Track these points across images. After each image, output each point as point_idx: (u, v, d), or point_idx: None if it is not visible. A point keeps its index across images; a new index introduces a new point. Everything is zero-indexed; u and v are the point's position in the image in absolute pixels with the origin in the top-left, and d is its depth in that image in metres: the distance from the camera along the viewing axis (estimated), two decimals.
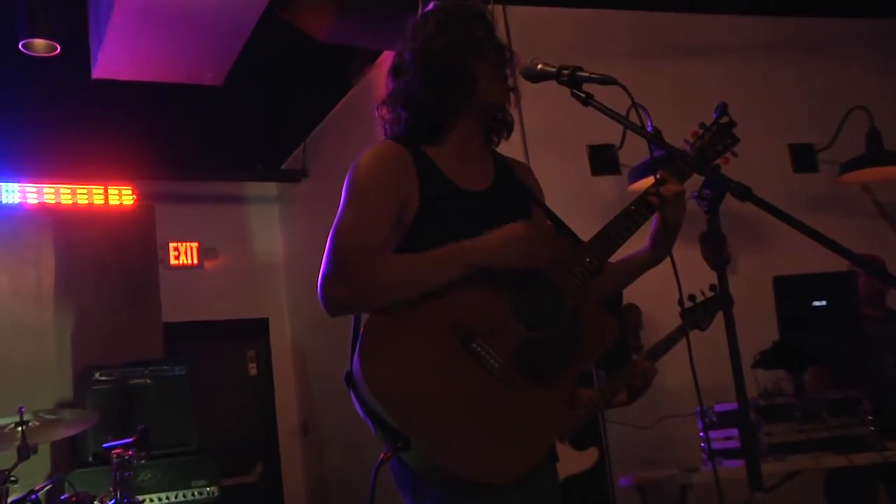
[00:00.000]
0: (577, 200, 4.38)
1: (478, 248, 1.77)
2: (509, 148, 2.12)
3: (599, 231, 1.90)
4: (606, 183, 4.81)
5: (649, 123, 4.04)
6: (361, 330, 1.73)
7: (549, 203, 2.09)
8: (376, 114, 2.01)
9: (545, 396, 1.76)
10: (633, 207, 1.92)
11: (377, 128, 2.01)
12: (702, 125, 2.00)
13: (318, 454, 6.83)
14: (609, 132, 4.63)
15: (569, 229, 1.99)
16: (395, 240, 1.85)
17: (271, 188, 7.44)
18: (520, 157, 2.02)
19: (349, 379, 1.72)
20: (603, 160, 4.84)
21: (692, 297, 3.31)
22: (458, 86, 1.89)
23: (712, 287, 3.27)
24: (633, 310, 4.28)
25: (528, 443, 1.73)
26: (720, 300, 1.67)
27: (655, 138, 1.84)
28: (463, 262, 1.76)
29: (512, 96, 1.98)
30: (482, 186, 1.95)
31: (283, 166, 7.33)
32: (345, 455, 6.26)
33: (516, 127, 2.10)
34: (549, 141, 4.47)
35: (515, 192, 2.01)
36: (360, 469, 5.84)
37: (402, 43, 1.97)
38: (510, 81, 1.96)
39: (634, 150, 4.60)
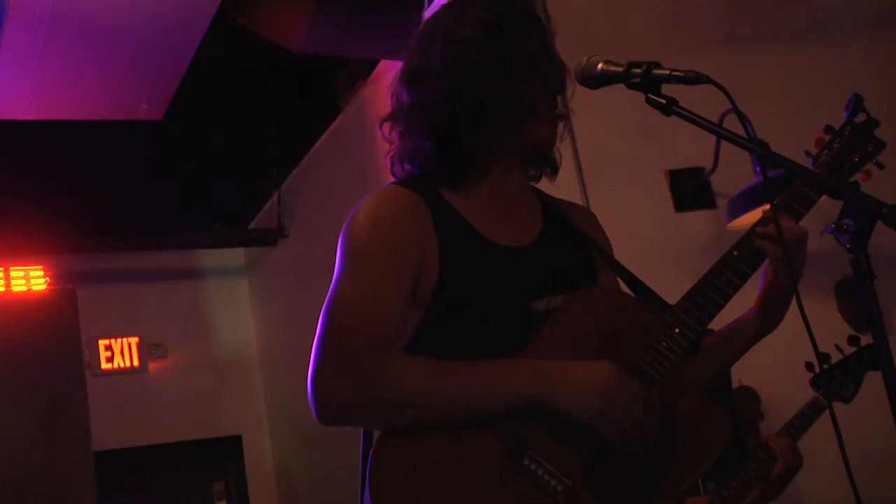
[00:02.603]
0: (657, 247, 4.36)
1: (545, 384, 1.76)
2: (561, 180, 2.12)
3: (690, 290, 1.90)
4: (697, 221, 4.74)
5: (751, 135, 3.98)
6: (372, 451, 1.75)
7: (618, 254, 2.11)
8: (379, 132, 2.05)
9: None
10: (735, 254, 1.92)
11: (379, 162, 2.12)
12: (828, 129, 1.99)
13: None
14: (695, 152, 4.57)
15: (649, 290, 2.00)
16: (409, 326, 1.88)
17: (236, 256, 7.53)
18: (573, 192, 1.99)
19: None
20: (690, 190, 4.78)
21: (824, 358, 3.27)
22: (509, 117, 1.93)
23: (852, 340, 3.27)
24: (749, 395, 4.23)
25: None
26: (870, 356, 1.62)
27: (769, 153, 1.79)
28: (524, 396, 1.76)
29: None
30: (526, 240, 1.99)
31: (252, 225, 7.42)
32: None
33: (567, 152, 2.11)
34: (612, 167, 4.47)
35: (572, 244, 2.04)
36: None
37: (425, 38, 2.01)
38: (561, 107, 2.00)
39: (733, 174, 4.52)
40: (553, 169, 2.09)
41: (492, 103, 1.92)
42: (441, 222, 1.91)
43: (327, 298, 1.85)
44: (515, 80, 1.92)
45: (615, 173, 4.48)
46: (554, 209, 2.09)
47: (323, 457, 6.38)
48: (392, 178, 2.08)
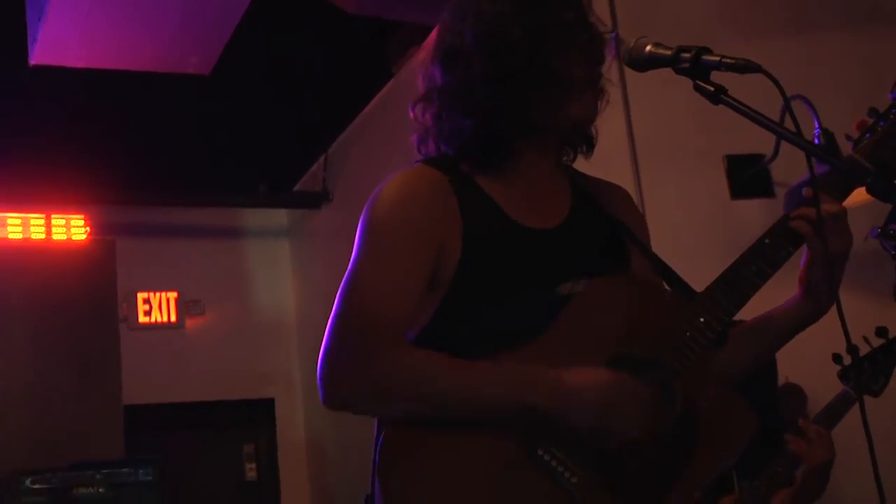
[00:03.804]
0: (710, 235, 4.30)
1: (546, 394, 1.74)
2: (613, 163, 2.02)
3: (718, 279, 1.88)
4: (752, 209, 4.70)
5: (816, 124, 3.90)
6: (382, 436, 1.75)
7: (668, 241, 2.09)
8: (410, 114, 2.02)
9: None
10: (767, 241, 1.90)
11: None
12: (872, 111, 1.94)
13: None
14: (756, 138, 4.50)
15: (677, 277, 1.97)
16: (429, 305, 1.85)
17: (280, 217, 7.54)
18: (627, 176, 1.95)
19: None
20: (748, 177, 4.71)
21: (853, 350, 3.19)
22: (546, 93, 1.89)
23: (880, 332, 3.24)
24: (795, 392, 4.15)
25: None
26: None
27: (814, 148, 1.81)
28: (523, 405, 1.74)
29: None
30: (553, 222, 1.95)
31: (297, 188, 7.42)
32: None
33: (623, 135, 2.03)
34: (668, 152, 4.42)
35: (601, 226, 2.01)
36: None
37: (457, 15, 1.97)
38: (603, 81, 1.96)
39: (793, 163, 4.44)
40: (589, 146, 2.04)
41: (528, 79, 1.87)
42: (466, 203, 1.88)
43: (345, 278, 1.84)
44: (552, 55, 1.88)
45: (671, 158, 4.45)
46: (584, 189, 2.05)
47: (354, 427, 6.36)
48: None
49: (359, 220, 1.92)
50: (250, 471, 7.14)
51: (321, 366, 1.78)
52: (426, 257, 1.84)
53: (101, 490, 5.35)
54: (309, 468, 7.19)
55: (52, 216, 6.05)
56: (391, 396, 1.76)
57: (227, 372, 7.04)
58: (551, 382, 1.74)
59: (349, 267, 1.86)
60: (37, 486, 5.25)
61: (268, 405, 7.22)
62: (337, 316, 1.80)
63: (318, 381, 1.78)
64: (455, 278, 1.85)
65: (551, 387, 1.74)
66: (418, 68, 2.04)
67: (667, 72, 1.81)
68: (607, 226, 2.02)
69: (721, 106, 1.74)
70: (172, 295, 7.00)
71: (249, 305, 7.27)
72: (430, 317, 1.85)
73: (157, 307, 6.94)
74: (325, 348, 1.78)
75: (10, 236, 5.96)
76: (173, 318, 6.98)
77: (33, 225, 6.01)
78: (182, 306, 7.01)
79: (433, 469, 1.72)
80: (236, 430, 7.15)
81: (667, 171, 4.31)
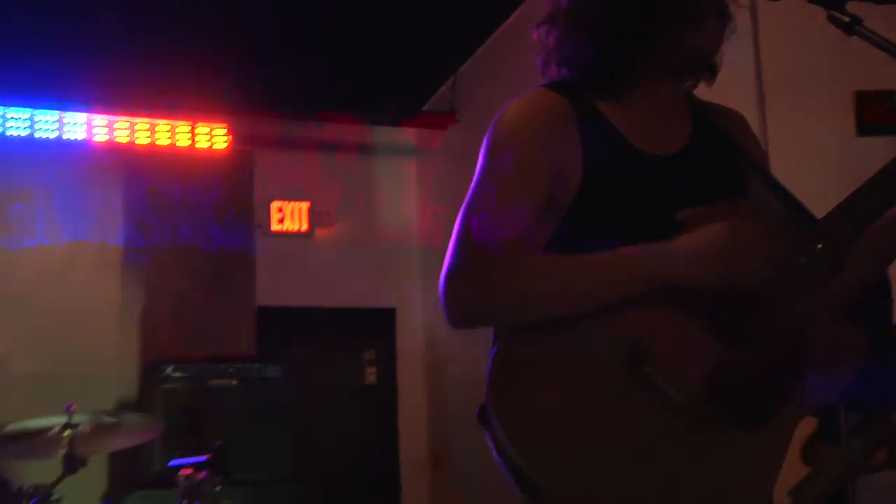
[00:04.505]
0: (836, 172, 4.17)
1: (663, 259, 1.73)
2: (737, 92, 2.02)
3: (840, 204, 1.81)
4: (879, 147, 4.55)
5: None
6: (496, 346, 1.75)
7: (790, 176, 2.01)
8: (535, 36, 1.99)
9: (752, 447, 1.71)
10: (889, 171, 1.85)
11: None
12: None
13: (453, 496, 6.93)
14: (890, 75, 4.38)
15: (798, 203, 1.92)
16: (547, 227, 1.84)
17: (408, 136, 7.56)
18: (751, 106, 1.91)
19: (483, 415, 1.75)
20: (877, 114, 4.59)
21: None
22: (671, 20, 1.85)
23: None
24: None
25: None
26: None
27: None
28: (643, 276, 1.73)
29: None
30: (673, 148, 1.92)
31: (425, 108, 7.42)
32: (489, 500, 6.28)
33: (750, 69, 2.00)
34: (795, 87, 4.32)
35: (721, 152, 1.96)
36: None
37: None
38: (731, 8, 1.91)
39: None
40: (712, 74, 1.99)
41: (651, 5, 1.84)
42: (587, 128, 1.86)
43: (466, 200, 1.84)
44: None
45: (798, 92, 4.34)
46: (705, 115, 2.00)
47: (470, 337, 6.48)
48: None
49: (480, 143, 1.94)
50: (370, 375, 7.29)
51: (443, 285, 1.79)
52: (546, 180, 1.83)
53: (233, 383, 5.62)
54: (425, 374, 7.32)
55: (197, 124, 6.25)
56: (514, 300, 1.76)
57: (353, 281, 7.17)
58: (668, 249, 1.73)
59: (471, 187, 1.86)
60: (177, 374, 5.53)
61: (389, 314, 7.35)
62: (459, 235, 1.80)
63: (441, 301, 1.79)
64: (573, 202, 1.83)
65: (671, 252, 1.72)
66: None
67: (799, 1, 1.74)
68: (727, 152, 1.97)
69: (853, 39, 1.69)
70: (304, 205, 7.11)
71: (376, 219, 7.35)
72: (546, 240, 1.84)
73: (289, 216, 7.06)
74: (447, 267, 1.79)
75: (158, 142, 6.19)
76: (304, 227, 7.10)
77: (179, 132, 6.22)
78: (313, 216, 7.12)
79: (543, 385, 1.70)
80: (358, 336, 7.29)
81: (792, 104, 4.23)
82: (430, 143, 7.38)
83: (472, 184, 1.85)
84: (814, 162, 4.11)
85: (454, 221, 1.90)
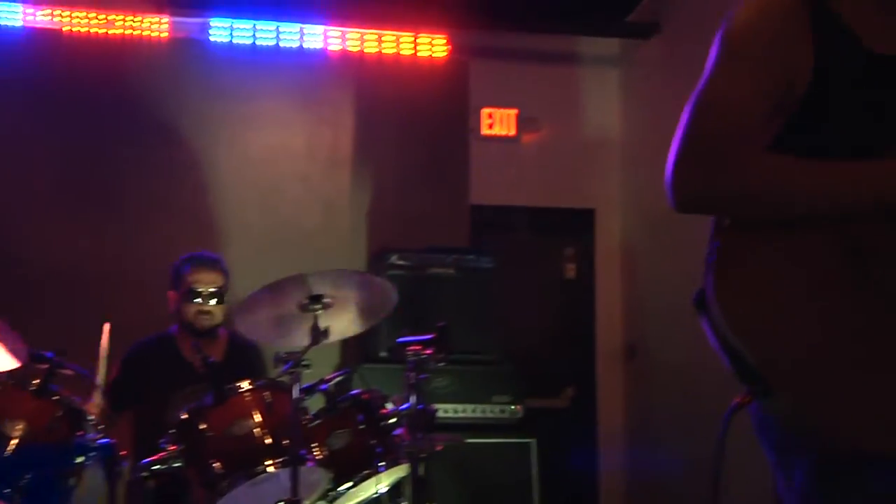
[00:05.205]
0: None
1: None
2: None
3: None
4: None
5: None
6: (719, 239, 1.76)
7: None
8: None
9: None
10: None
11: None
12: None
13: (645, 384, 7.14)
14: None
15: None
16: (773, 127, 1.81)
17: (611, 46, 7.56)
18: None
19: (700, 302, 1.76)
20: None
21: None
22: None
23: None
24: None
25: None
26: None
27: None
28: (888, 197, 1.69)
29: None
30: None
31: (629, 18, 7.40)
32: (678, 388, 6.49)
33: None
34: None
35: None
36: (697, 407, 6.06)
37: None
38: None
39: None
40: None
41: None
42: (820, 28, 1.78)
43: (696, 92, 1.80)
44: None
45: None
46: None
47: (665, 239, 6.63)
48: None
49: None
50: (569, 270, 7.42)
51: (671, 172, 1.77)
52: (777, 77, 1.77)
53: (450, 271, 5.91)
54: (622, 271, 7.43)
55: (419, 35, 6.52)
56: (748, 192, 1.73)
57: (556, 183, 7.32)
58: None
59: (703, 78, 1.82)
60: (400, 262, 5.86)
61: (588, 214, 7.46)
62: (686, 126, 1.77)
63: (667, 186, 1.78)
64: (803, 101, 1.78)
65: None
66: None
67: None
68: None
69: None
70: (512, 112, 7.24)
71: (579, 126, 7.42)
72: (772, 139, 1.80)
73: (498, 122, 7.21)
74: (674, 155, 1.77)
75: (385, 51, 6.52)
76: (512, 132, 7.24)
77: (402, 42, 6.52)
78: (520, 122, 7.26)
79: (765, 272, 1.70)
80: (560, 234, 7.44)
81: None
82: (634, 53, 7.38)
83: (704, 76, 1.82)
84: None
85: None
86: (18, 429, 3.53)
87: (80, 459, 3.59)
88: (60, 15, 6.13)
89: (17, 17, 6.06)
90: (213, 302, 4.66)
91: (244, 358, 4.77)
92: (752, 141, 1.76)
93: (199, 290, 4.65)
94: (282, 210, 6.38)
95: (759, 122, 1.78)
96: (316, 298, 4.02)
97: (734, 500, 3.99)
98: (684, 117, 1.80)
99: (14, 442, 3.50)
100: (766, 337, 1.67)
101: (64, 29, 6.15)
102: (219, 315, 4.70)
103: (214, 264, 4.77)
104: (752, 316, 1.68)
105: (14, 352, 3.83)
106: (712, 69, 1.82)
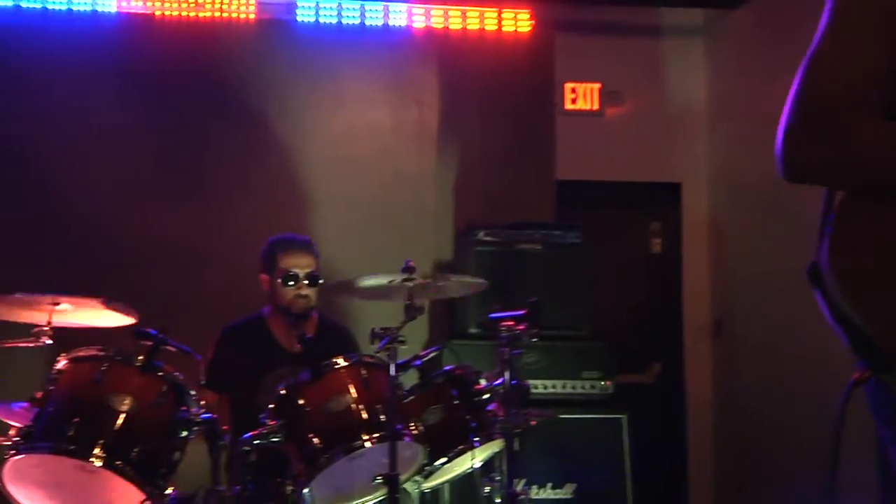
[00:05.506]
0: None
1: None
2: None
3: None
4: None
5: None
6: (835, 210, 1.73)
7: None
8: None
9: None
10: None
11: None
12: None
13: (733, 360, 7.06)
14: None
15: None
16: (886, 93, 1.76)
17: (696, 16, 7.46)
18: None
19: (814, 274, 1.73)
20: None
21: None
22: None
23: None
24: None
25: None
26: None
27: None
28: None
29: None
30: None
31: None
32: (768, 365, 6.43)
33: None
34: None
35: None
36: (787, 384, 6.00)
37: None
38: None
39: None
40: None
41: None
42: None
43: (807, 57, 1.76)
44: None
45: None
46: None
47: (753, 213, 6.56)
48: None
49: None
50: (655, 245, 7.38)
51: (781, 140, 1.73)
52: (889, 47, 1.72)
53: (538, 247, 5.93)
54: (709, 246, 7.35)
55: (503, 10, 6.50)
56: (852, 163, 1.70)
57: (641, 157, 7.24)
58: None
59: (814, 43, 1.78)
60: (488, 238, 5.89)
61: (675, 188, 7.39)
62: (798, 92, 1.74)
63: (777, 154, 1.74)
64: None
65: None
66: None
67: None
68: None
69: None
70: (596, 86, 7.18)
71: (664, 99, 7.33)
72: (881, 108, 1.75)
73: (581, 96, 7.16)
74: (785, 123, 1.74)
75: (469, 26, 6.51)
76: (596, 107, 7.18)
77: (486, 17, 6.50)
78: (604, 96, 7.20)
79: (887, 245, 1.66)
80: (646, 208, 7.39)
81: None
82: (719, 23, 7.27)
83: (815, 39, 1.78)
84: None
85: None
86: (126, 403, 3.62)
87: (184, 434, 3.65)
88: (153, 0, 6.23)
89: (112, 4, 6.18)
90: (308, 284, 4.69)
91: (336, 338, 4.83)
92: (864, 108, 1.71)
93: (296, 273, 4.68)
94: (368, 188, 6.41)
95: (872, 88, 1.73)
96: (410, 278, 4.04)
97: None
98: (794, 85, 1.76)
99: (122, 416, 3.58)
100: (885, 307, 1.63)
101: (156, 13, 6.27)
102: (314, 298, 4.74)
103: (308, 247, 4.80)
104: (871, 286, 1.65)
105: (127, 312, 4.04)
106: (822, 35, 1.77)
